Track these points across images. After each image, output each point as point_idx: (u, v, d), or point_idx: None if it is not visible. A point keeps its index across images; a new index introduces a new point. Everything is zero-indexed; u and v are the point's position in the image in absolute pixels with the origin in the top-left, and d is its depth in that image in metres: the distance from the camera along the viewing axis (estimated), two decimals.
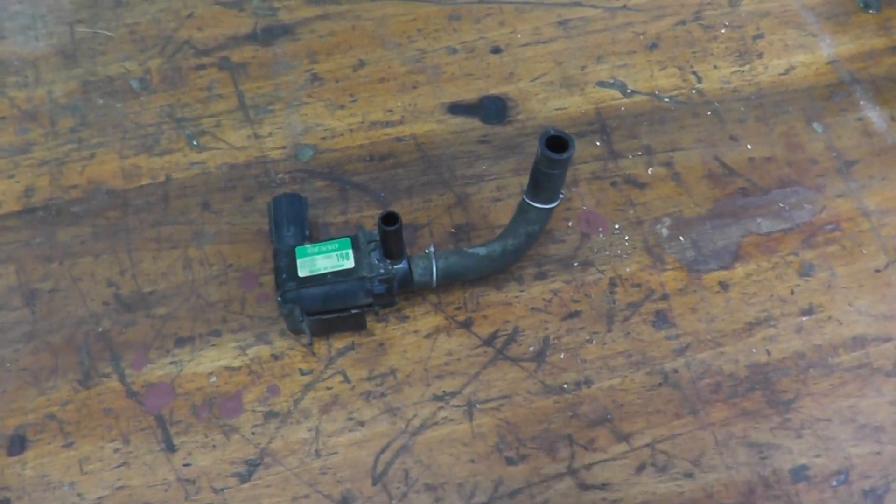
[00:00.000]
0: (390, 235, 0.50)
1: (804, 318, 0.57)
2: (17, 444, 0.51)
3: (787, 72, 0.67)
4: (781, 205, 0.61)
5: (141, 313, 0.55)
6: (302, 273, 0.51)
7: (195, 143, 0.62)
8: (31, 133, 0.62)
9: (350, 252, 0.52)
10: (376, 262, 0.52)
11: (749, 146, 0.64)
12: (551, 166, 0.50)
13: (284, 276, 0.51)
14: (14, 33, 0.66)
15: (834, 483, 0.51)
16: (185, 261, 0.57)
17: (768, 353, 0.55)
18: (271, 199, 0.56)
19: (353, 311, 0.52)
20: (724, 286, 0.58)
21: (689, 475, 0.51)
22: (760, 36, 0.69)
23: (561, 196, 0.54)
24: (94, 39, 0.66)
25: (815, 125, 0.65)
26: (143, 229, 0.58)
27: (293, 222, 0.54)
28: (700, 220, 0.60)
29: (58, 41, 0.66)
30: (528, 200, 0.53)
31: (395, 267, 0.52)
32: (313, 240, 0.55)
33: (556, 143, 0.50)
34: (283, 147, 0.62)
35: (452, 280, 0.55)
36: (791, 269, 0.58)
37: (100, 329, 0.54)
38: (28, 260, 0.57)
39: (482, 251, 0.54)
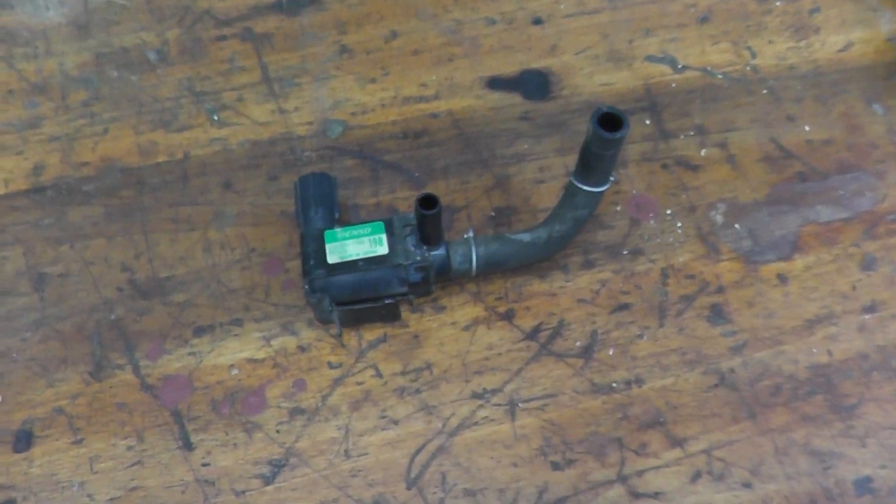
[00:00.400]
0: (429, 220, 0.46)
1: (867, 317, 0.52)
2: (24, 440, 0.47)
3: (845, 48, 0.63)
4: (841, 192, 0.57)
5: (157, 300, 0.51)
6: (331, 259, 0.47)
7: (216, 118, 0.58)
8: (41, 107, 0.58)
9: (384, 237, 0.48)
10: (412, 248, 0.48)
11: (807, 127, 0.59)
12: (604, 147, 0.46)
13: (312, 262, 0.47)
14: (23, 2, 0.62)
15: None
16: (204, 244, 0.53)
17: (829, 353, 0.51)
18: (297, 178, 0.51)
19: (387, 302, 0.48)
20: (782, 279, 0.53)
21: (747, 485, 0.47)
22: (817, 10, 0.64)
23: (612, 179, 0.49)
24: (108, 9, 0.62)
25: (876, 107, 0.60)
26: (160, 210, 0.54)
27: (321, 204, 0.50)
28: (756, 206, 0.56)
29: (69, 11, 0.62)
30: (576, 183, 0.49)
31: (433, 254, 0.48)
32: (343, 223, 0.51)
33: (609, 122, 0.45)
34: (310, 123, 0.57)
35: (493, 269, 0.50)
36: (852, 262, 0.54)
37: (113, 317, 0.51)
38: (37, 242, 0.53)
39: (526, 238, 0.50)
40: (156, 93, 0.58)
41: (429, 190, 0.55)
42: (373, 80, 0.59)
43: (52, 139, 0.57)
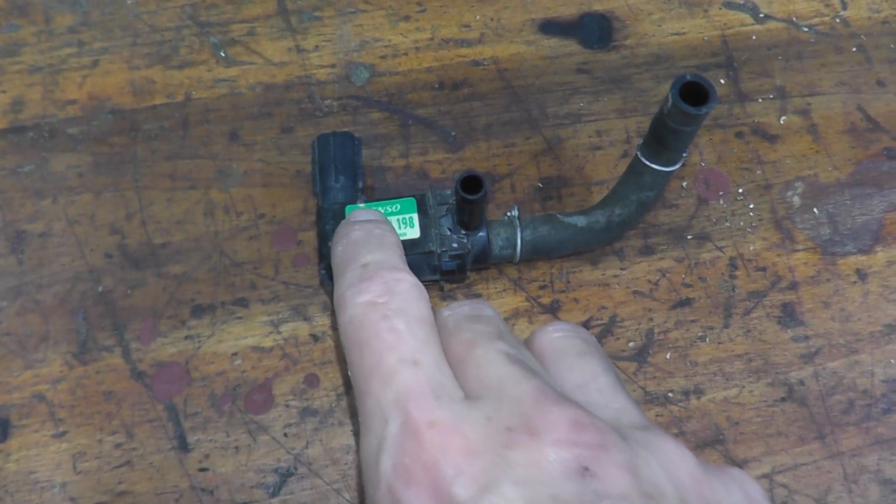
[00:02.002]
0: (471, 205, 0.39)
1: None
2: (0, 430, 0.41)
3: None
4: None
5: (151, 271, 0.44)
6: None
7: (223, 54, 0.49)
8: (21, 31, 0.50)
9: (415, 217, 0.41)
10: (448, 232, 0.41)
11: None
12: (684, 122, 0.38)
13: (330, 243, 0.40)
14: None
15: None
16: (206, 206, 0.46)
17: None
18: (316, 138, 0.44)
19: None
20: (861, 275, 0.47)
21: None
22: None
23: (685, 155, 0.42)
24: None
25: None
26: (156, 162, 0.47)
27: (343, 171, 0.43)
28: (838, 187, 0.49)
29: None
30: (643, 159, 0.41)
31: (472, 239, 0.41)
32: (367, 191, 0.44)
33: (692, 92, 0.38)
34: (332, 66, 0.49)
35: (540, 255, 0.44)
36: None
37: (100, 288, 0.44)
38: (14, 193, 0.46)
39: (581, 221, 0.43)
40: (154, 21, 0.50)
41: (467, 153, 0.47)
42: (406, 18, 0.51)
43: (34, 70, 0.49)
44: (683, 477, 0.25)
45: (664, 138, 0.40)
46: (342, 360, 0.43)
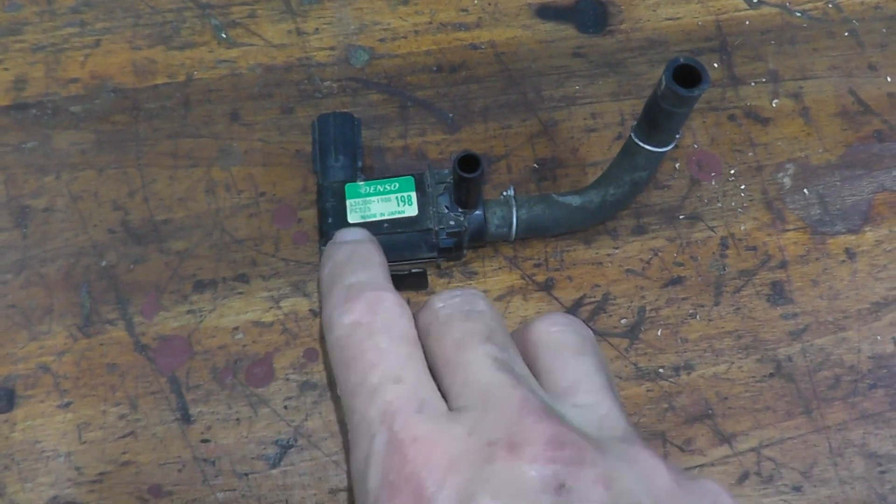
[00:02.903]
0: (468, 183, 0.40)
1: None
2: (5, 400, 0.42)
3: None
4: None
5: (153, 247, 0.45)
6: (352, 219, 0.41)
7: (224, 35, 0.50)
8: (24, 11, 0.50)
9: (413, 195, 0.42)
10: (445, 210, 0.42)
11: (889, 78, 0.52)
12: (677, 103, 0.39)
13: (331, 220, 0.41)
14: None
15: None
16: (207, 184, 0.47)
17: (895, 342, 0.46)
18: (316, 118, 0.45)
19: (414, 271, 0.42)
20: (850, 255, 0.48)
21: (797, 488, 0.43)
22: None
23: (678, 136, 0.43)
24: None
25: None
26: (158, 141, 0.48)
27: (343, 151, 0.44)
28: (829, 168, 0.50)
29: None
30: (637, 140, 0.42)
31: (469, 217, 0.42)
32: (366, 171, 0.45)
33: (685, 75, 0.38)
34: (332, 48, 0.50)
35: (535, 234, 0.45)
36: None
37: (103, 263, 0.45)
38: (18, 169, 0.47)
39: (575, 201, 0.44)
40: (155, 2, 0.51)
41: (464, 135, 0.48)
42: (405, 2, 0.51)
43: (36, 48, 0.50)
44: (659, 490, 0.26)
45: (657, 120, 0.41)
46: (330, 373, 0.44)
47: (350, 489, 0.41)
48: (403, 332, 0.29)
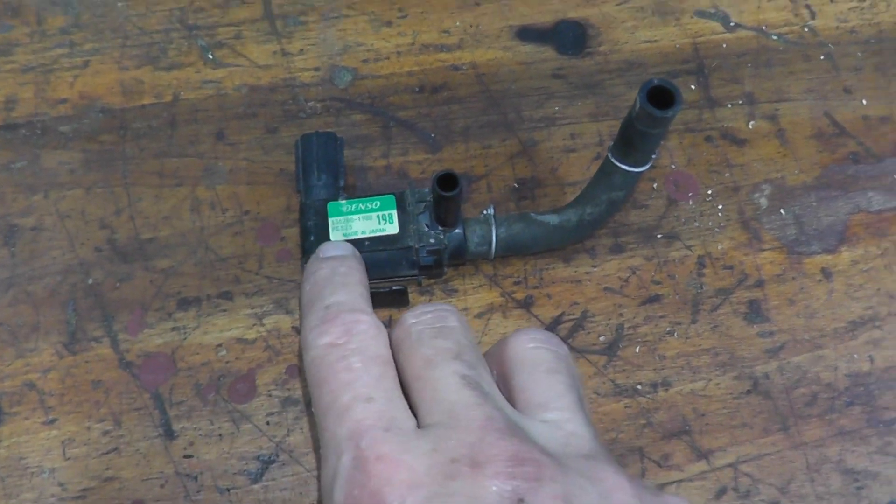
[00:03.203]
0: (447, 202, 0.40)
1: None
2: None
3: None
4: (895, 177, 0.51)
5: (139, 265, 0.46)
6: (334, 236, 0.42)
7: (210, 56, 0.51)
8: (14, 32, 0.51)
9: (394, 214, 0.43)
10: (426, 228, 0.43)
11: (864, 101, 0.53)
12: (652, 124, 0.40)
13: (312, 238, 0.42)
14: None
15: None
16: (192, 202, 0.48)
17: (871, 360, 0.47)
18: (300, 137, 0.46)
19: (394, 288, 0.43)
20: (826, 274, 0.48)
21: None
22: None
23: (654, 157, 0.44)
24: None
25: None
26: (144, 160, 0.48)
27: (325, 170, 0.44)
28: (805, 189, 0.51)
29: None
30: (614, 160, 0.43)
31: (448, 235, 0.43)
32: (348, 189, 0.45)
33: (659, 96, 0.39)
34: (316, 69, 0.51)
35: (514, 252, 0.45)
36: None
37: (90, 281, 0.46)
38: (7, 188, 0.48)
39: (553, 220, 0.45)
40: (143, 23, 0.52)
41: (446, 154, 0.49)
42: (388, 23, 0.52)
43: (26, 69, 0.50)
44: None
45: (633, 140, 0.42)
46: (307, 390, 0.44)
47: None
48: (376, 353, 0.30)
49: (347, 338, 0.30)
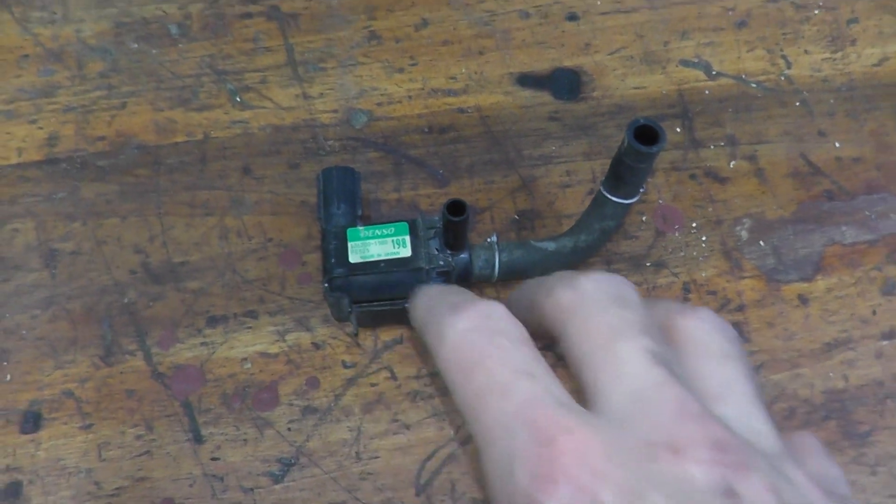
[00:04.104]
0: (455, 226, 0.45)
1: (885, 343, 0.52)
2: (32, 422, 0.46)
3: (880, 63, 0.61)
4: (867, 212, 0.56)
5: (170, 286, 0.50)
6: (353, 259, 0.46)
7: (238, 99, 0.56)
8: (57, 75, 0.56)
9: (407, 239, 0.47)
10: (436, 251, 0.47)
11: (837, 144, 0.58)
12: (638, 160, 0.44)
13: (334, 260, 0.46)
14: None
15: None
16: (221, 230, 0.52)
17: (846, 378, 0.51)
18: (320, 171, 0.50)
19: (406, 305, 0.47)
20: (803, 300, 0.53)
21: None
22: (855, 20, 0.63)
23: (641, 190, 0.48)
24: None
25: None
26: (176, 192, 0.53)
27: (344, 200, 0.49)
28: (782, 223, 0.55)
29: None
30: (605, 193, 0.48)
31: (456, 259, 0.47)
32: (364, 219, 0.50)
33: (645, 134, 0.44)
34: (335, 111, 0.56)
35: (515, 276, 0.50)
36: (874, 287, 0.53)
37: (125, 300, 0.50)
38: (48, 216, 0.52)
39: (550, 246, 0.49)
40: (176, 69, 0.57)
41: (452, 189, 0.54)
42: (400, 70, 0.58)
43: (67, 109, 0.55)
44: None
45: (622, 174, 0.46)
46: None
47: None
48: (523, 336, 0.28)
49: (487, 321, 0.28)
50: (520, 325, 0.28)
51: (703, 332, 0.29)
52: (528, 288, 0.33)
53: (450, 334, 0.28)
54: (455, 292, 0.32)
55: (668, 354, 0.27)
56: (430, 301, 0.32)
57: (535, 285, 0.31)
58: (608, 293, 0.28)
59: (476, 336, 0.28)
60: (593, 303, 0.28)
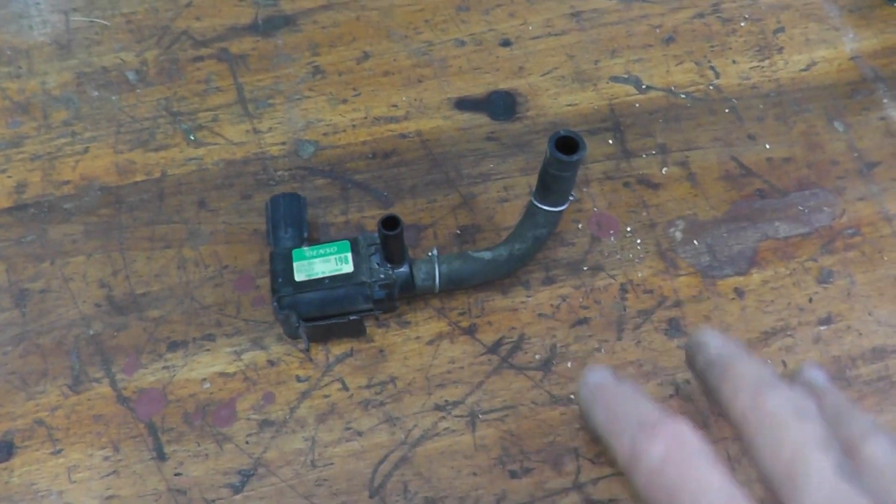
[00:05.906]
0: (391, 240, 0.48)
1: (822, 328, 0.54)
2: (4, 451, 0.49)
3: (807, 68, 0.65)
4: (800, 208, 0.58)
5: (133, 316, 0.53)
6: (299, 277, 0.49)
7: (192, 137, 0.60)
8: (24, 126, 0.60)
9: (349, 256, 0.50)
10: (377, 266, 0.50)
11: (767, 146, 0.61)
12: (561, 168, 0.48)
13: (280, 280, 0.49)
14: (7, 22, 0.64)
15: None
16: (179, 261, 0.55)
17: (784, 364, 0.53)
18: (269, 198, 0.53)
19: (352, 318, 0.50)
20: (739, 293, 0.55)
21: None
22: (781, 30, 0.66)
23: (571, 198, 0.51)
24: (89, 28, 0.64)
25: (836, 124, 0.62)
26: (137, 228, 0.56)
27: (291, 224, 0.52)
28: (716, 223, 0.58)
29: (52, 30, 0.64)
30: (536, 203, 0.51)
31: (396, 272, 0.50)
32: (312, 241, 0.53)
33: (567, 145, 0.47)
34: (283, 143, 0.59)
35: (456, 286, 0.52)
36: (809, 276, 0.56)
37: (91, 332, 0.53)
38: (18, 259, 0.55)
39: (487, 255, 0.52)
40: (134, 112, 0.60)
41: (396, 209, 0.57)
42: (344, 101, 0.61)
43: (34, 158, 0.59)
44: None
45: (548, 183, 0.49)
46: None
47: None
48: (714, 458, 0.29)
49: (680, 443, 0.29)
50: (709, 444, 0.30)
51: (890, 457, 0.30)
52: (712, 371, 0.35)
53: (646, 460, 0.29)
54: (635, 400, 0.33)
55: (852, 465, 0.28)
56: (610, 407, 0.33)
57: (719, 372, 0.33)
58: (788, 408, 0.30)
59: (673, 467, 0.29)
60: (775, 418, 0.29)
